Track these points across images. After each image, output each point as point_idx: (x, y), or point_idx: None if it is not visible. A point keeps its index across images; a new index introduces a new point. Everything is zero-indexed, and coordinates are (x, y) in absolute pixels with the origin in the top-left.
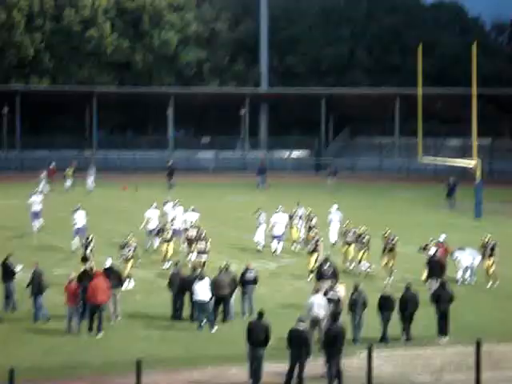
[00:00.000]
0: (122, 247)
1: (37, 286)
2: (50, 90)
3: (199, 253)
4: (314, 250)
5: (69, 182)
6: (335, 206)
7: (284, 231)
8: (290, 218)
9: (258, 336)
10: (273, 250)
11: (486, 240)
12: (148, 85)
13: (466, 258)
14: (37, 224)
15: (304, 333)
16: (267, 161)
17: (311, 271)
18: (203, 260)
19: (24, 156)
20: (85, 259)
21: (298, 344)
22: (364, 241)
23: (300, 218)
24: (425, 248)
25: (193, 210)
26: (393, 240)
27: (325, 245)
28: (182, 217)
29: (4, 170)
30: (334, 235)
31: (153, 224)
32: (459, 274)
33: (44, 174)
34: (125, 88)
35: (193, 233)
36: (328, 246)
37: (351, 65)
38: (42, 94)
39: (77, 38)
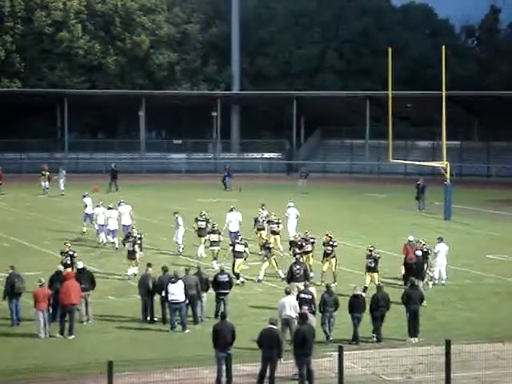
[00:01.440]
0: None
1: (12, 289)
2: (20, 92)
3: (212, 244)
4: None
5: (46, 184)
6: (291, 203)
7: (239, 229)
8: (256, 221)
9: (224, 338)
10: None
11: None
12: (120, 87)
13: (441, 258)
14: None
15: (275, 333)
16: (239, 163)
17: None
18: (216, 250)
19: None
20: (133, 253)
21: (269, 344)
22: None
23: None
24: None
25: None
26: (333, 245)
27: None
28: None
29: None
30: (292, 230)
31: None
32: (436, 274)
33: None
34: (96, 90)
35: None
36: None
37: (322, 67)
38: (13, 95)
39: (48, 40)
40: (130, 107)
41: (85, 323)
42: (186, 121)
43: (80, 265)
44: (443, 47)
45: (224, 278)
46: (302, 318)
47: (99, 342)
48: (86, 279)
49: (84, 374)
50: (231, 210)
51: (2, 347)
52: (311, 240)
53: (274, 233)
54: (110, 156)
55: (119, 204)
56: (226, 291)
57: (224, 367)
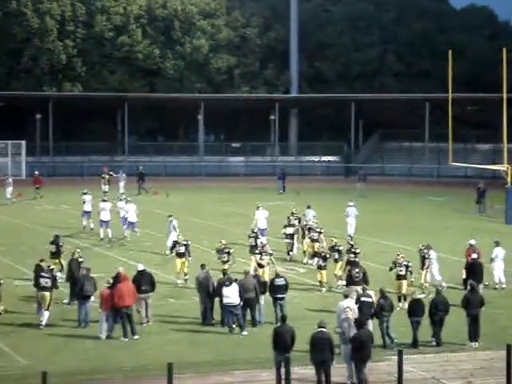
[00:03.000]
0: (220, 251)
1: (81, 291)
2: (81, 96)
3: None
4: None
5: (106, 187)
6: (351, 203)
7: (267, 226)
8: (309, 230)
9: (284, 341)
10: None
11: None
12: (179, 91)
13: (498, 262)
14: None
15: (327, 336)
16: (297, 166)
17: (336, 275)
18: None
19: (56, 161)
20: (181, 255)
21: (321, 348)
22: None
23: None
24: (394, 266)
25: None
26: (355, 252)
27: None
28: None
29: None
30: (351, 229)
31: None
32: (496, 279)
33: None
34: (156, 94)
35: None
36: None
37: (381, 70)
38: (74, 99)
39: (108, 45)
40: (189, 111)
41: (144, 325)
42: (245, 124)
43: (140, 267)
44: (504, 50)
45: (280, 281)
46: (360, 323)
47: (159, 343)
48: (146, 281)
49: (144, 376)
50: (258, 208)
51: (65, 348)
52: (339, 248)
53: (314, 241)
54: (169, 159)
55: (126, 202)
56: (283, 295)
57: (283, 370)
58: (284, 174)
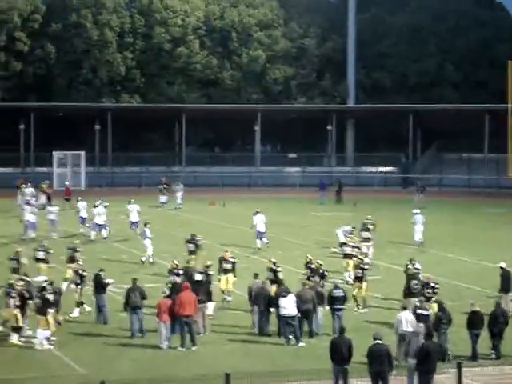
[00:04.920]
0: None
1: (134, 300)
2: (140, 107)
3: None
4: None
5: (164, 198)
6: (417, 210)
7: (265, 229)
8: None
9: (341, 353)
10: (258, 247)
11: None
12: (236, 101)
13: None
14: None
15: (383, 347)
16: (354, 177)
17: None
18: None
19: (115, 172)
20: (227, 271)
21: (378, 360)
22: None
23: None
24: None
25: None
26: (363, 268)
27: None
28: None
29: (96, 187)
30: (418, 235)
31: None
32: None
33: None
34: (213, 105)
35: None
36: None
37: (439, 80)
38: (133, 111)
39: (166, 56)
40: (246, 122)
41: (202, 335)
42: (301, 135)
43: (198, 277)
44: None
45: (339, 292)
46: (428, 334)
47: (216, 353)
48: (203, 291)
49: None
50: (256, 214)
51: (123, 358)
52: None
53: (348, 256)
54: (226, 170)
55: (129, 203)
56: (341, 306)
57: (341, 382)
58: (325, 185)
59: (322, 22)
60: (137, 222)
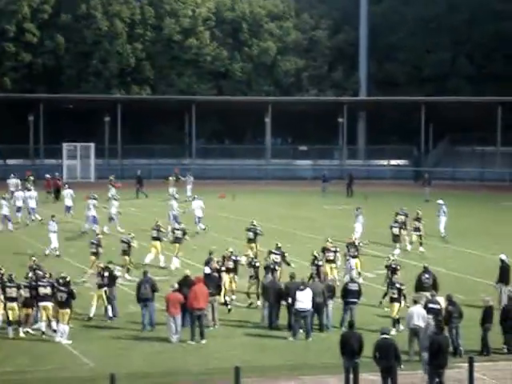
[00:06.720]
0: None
1: (144, 292)
2: (150, 99)
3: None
4: None
5: (172, 190)
6: (441, 201)
7: (202, 215)
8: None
9: (351, 346)
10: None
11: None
12: (246, 93)
13: None
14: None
15: (391, 342)
16: (365, 169)
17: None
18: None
19: (124, 164)
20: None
21: (386, 355)
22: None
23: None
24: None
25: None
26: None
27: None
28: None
29: (106, 179)
30: (441, 227)
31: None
32: None
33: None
34: (223, 97)
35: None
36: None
37: (452, 72)
38: (143, 102)
39: (177, 47)
40: (257, 114)
41: (211, 328)
42: (312, 127)
43: (207, 270)
44: None
45: (354, 286)
46: (439, 327)
47: (226, 347)
48: (213, 284)
49: (212, 379)
50: (194, 199)
51: (132, 351)
52: (333, 249)
53: (330, 261)
54: (236, 162)
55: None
56: (355, 300)
57: (351, 376)
58: (327, 177)
59: (334, 14)
60: (201, 218)
